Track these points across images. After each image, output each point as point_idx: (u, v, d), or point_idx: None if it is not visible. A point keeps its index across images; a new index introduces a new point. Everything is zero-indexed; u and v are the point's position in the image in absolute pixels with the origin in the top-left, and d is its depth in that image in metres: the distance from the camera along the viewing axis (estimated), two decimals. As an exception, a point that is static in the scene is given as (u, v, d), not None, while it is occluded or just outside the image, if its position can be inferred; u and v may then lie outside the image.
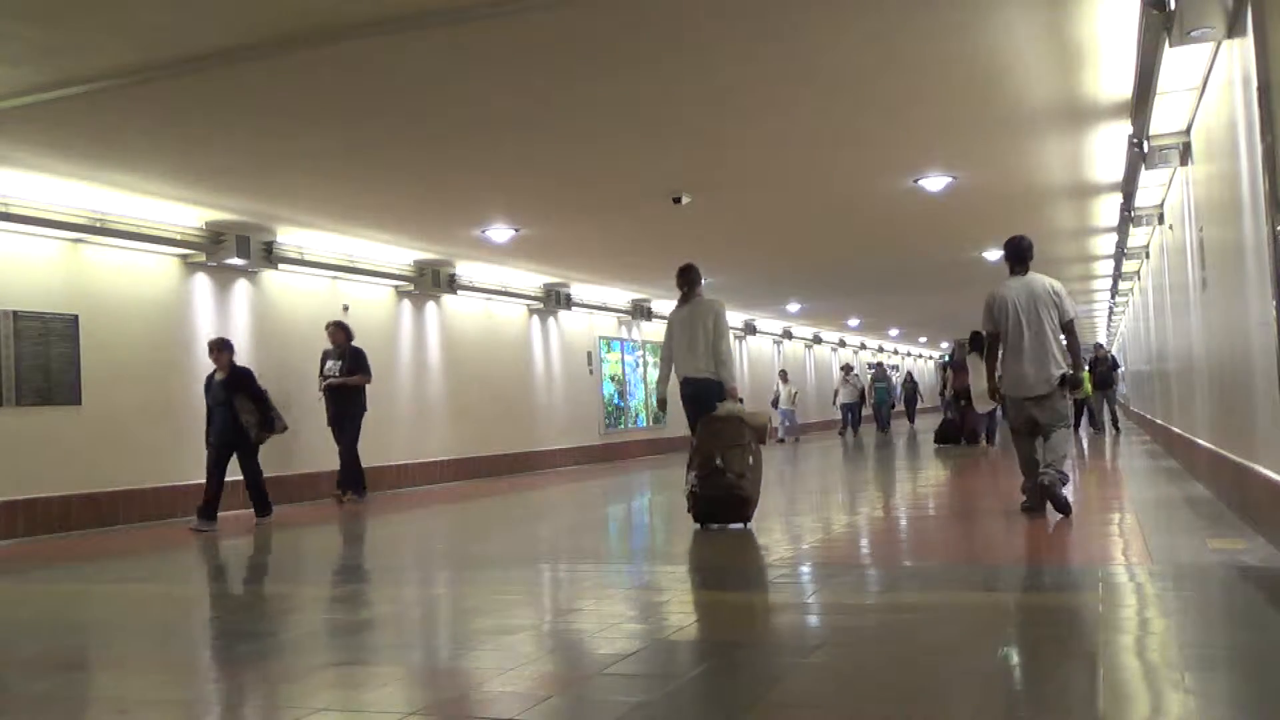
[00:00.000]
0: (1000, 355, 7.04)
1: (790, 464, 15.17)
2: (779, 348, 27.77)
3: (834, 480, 12.29)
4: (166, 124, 7.31)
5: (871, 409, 26.46)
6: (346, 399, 11.08)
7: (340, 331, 11.20)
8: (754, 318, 25.28)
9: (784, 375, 23.89)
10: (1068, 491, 6.84)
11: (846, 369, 25.81)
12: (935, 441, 17.25)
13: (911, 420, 32.56)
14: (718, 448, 6.97)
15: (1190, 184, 7.71)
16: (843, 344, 33.73)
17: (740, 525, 7.03)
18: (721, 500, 6.94)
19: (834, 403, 25.03)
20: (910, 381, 33.71)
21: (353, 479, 11.07)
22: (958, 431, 16.83)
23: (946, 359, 46.23)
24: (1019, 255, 7.08)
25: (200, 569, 7.23)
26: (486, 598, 5.14)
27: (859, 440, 22.20)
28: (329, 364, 11.15)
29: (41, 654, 4.26)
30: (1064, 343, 6.93)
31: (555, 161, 9.00)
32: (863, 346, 36.32)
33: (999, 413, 14.40)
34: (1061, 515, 6.68)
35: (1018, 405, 6.98)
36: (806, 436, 25.24)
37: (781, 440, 22.50)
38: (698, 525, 7.11)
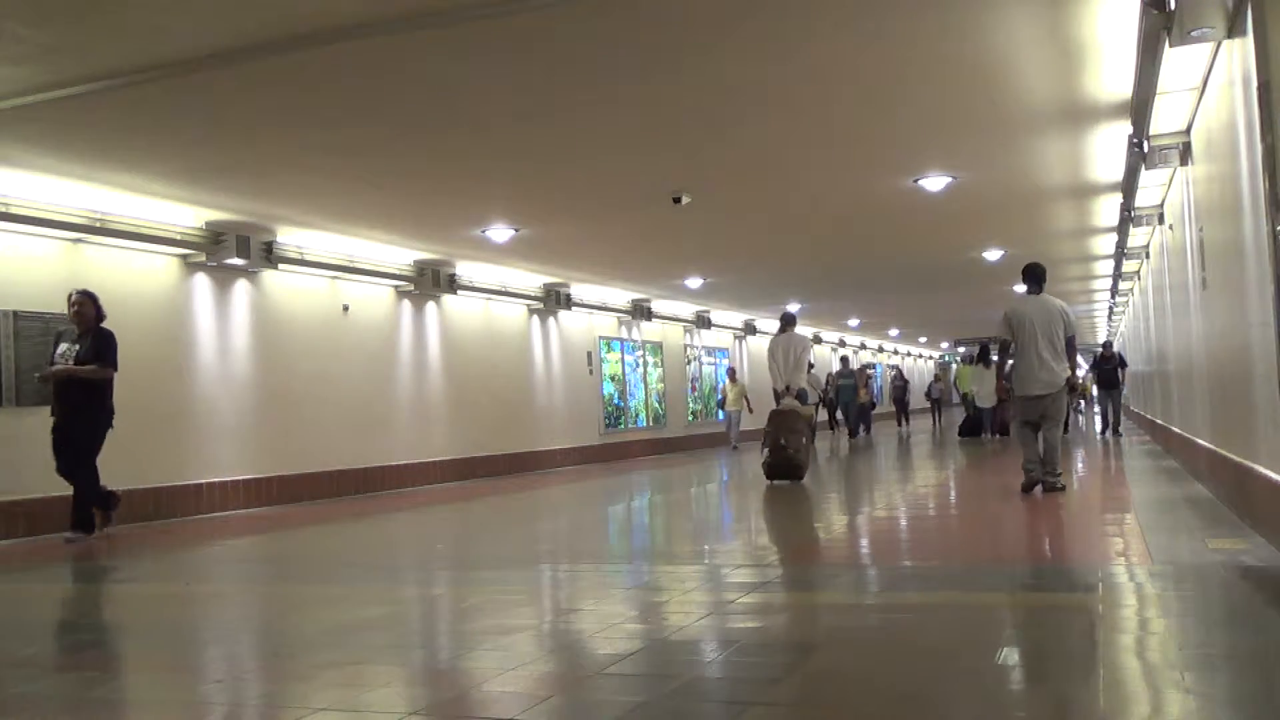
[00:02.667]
0: (1014, 360, 8.27)
1: (708, 478, 13.08)
2: (834, 353, 27.65)
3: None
4: (166, 124, 7.32)
5: (841, 410, 23.46)
6: (81, 397, 7.98)
7: (88, 305, 8.13)
8: (754, 318, 25.28)
9: (731, 373, 21.38)
10: (1068, 484, 8.50)
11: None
12: (959, 435, 20.14)
13: (901, 422, 29.05)
14: (781, 432, 10.64)
15: (1190, 184, 7.70)
16: (842, 343, 33.67)
17: (798, 481, 10.66)
18: (784, 466, 10.66)
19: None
20: (900, 379, 29.72)
21: (86, 513, 8.13)
22: (979, 427, 19.66)
23: (948, 360, 46.09)
24: (1036, 278, 8.38)
25: (200, 569, 7.22)
26: (486, 598, 5.14)
27: (818, 448, 18.73)
28: (62, 347, 8.11)
29: (41, 654, 4.26)
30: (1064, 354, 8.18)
31: (555, 162, 9.00)
32: (862, 346, 36.30)
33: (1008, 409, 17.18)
34: (1054, 489, 8.19)
35: (1028, 401, 8.17)
36: (664, 455, 21.11)
37: (735, 448, 19.97)
38: (769, 481, 10.72)
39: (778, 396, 11.18)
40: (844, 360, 24.34)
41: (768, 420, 10.92)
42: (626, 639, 3.91)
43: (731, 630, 4.12)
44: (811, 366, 22.24)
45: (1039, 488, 8.16)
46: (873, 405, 26.41)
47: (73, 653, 4.39)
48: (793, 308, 23.04)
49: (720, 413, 21.77)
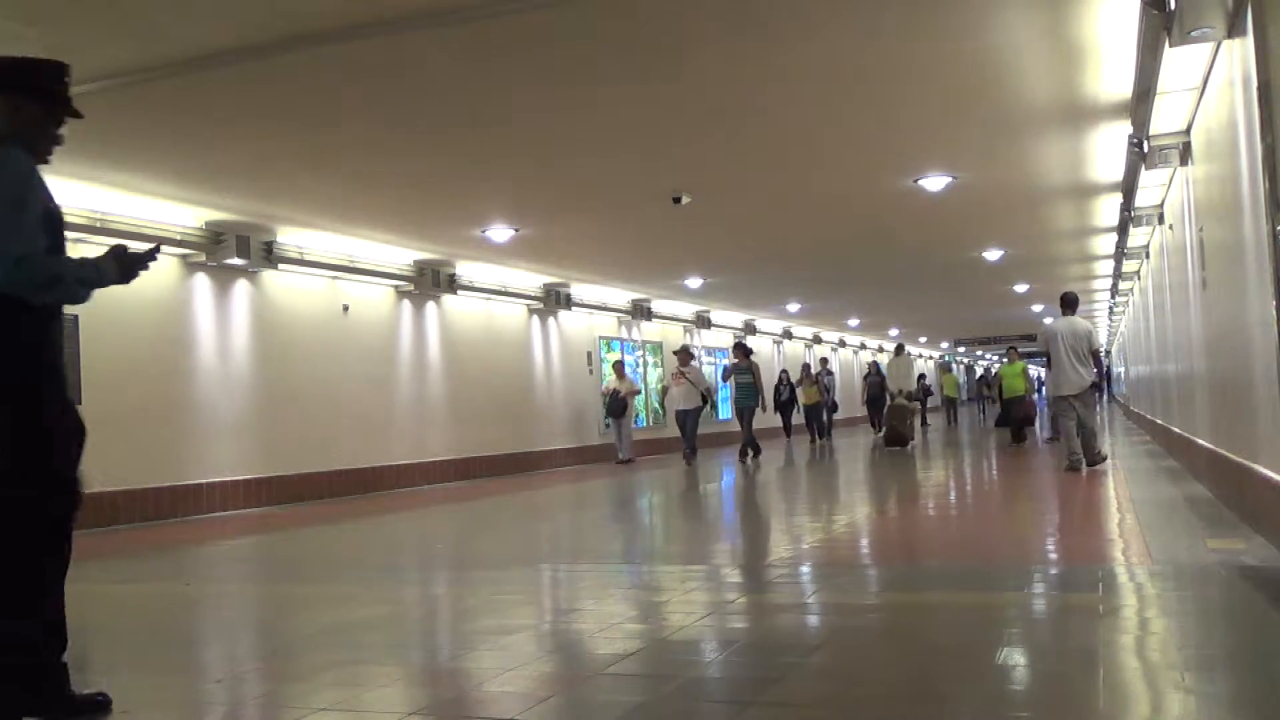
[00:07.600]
0: (1050, 368, 10.32)
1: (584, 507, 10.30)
2: (779, 348, 27.66)
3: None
4: (166, 124, 7.32)
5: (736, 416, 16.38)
6: None
7: None
8: (754, 318, 25.28)
9: (618, 368, 17.38)
10: (1105, 461, 10.46)
11: (683, 354, 16.07)
12: (995, 426, 22.13)
13: (876, 425, 22.39)
14: (894, 417, 17.17)
15: (1190, 184, 7.70)
16: (843, 344, 33.61)
17: (904, 447, 16.54)
18: (896, 438, 16.74)
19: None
20: (876, 373, 23.36)
21: None
22: (1007, 420, 22.99)
23: (948, 360, 46.06)
24: (1070, 303, 10.50)
25: (200, 569, 7.22)
26: (486, 598, 5.14)
27: (693, 471, 14.49)
28: None
29: (41, 654, 4.24)
30: (1090, 362, 10.23)
31: (555, 161, 9.00)
32: (863, 346, 36.26)
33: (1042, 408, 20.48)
34: (1096, 465, 10.08)
35: (1061, 400, 10.18)
36: (661, 455, 19.17)
37: (625, 460, 16.91)
38: (886, 447, 16.79)
39: (891, 396, 18.99)
40: (739, 345, 16.78)
41: (887, 410, 18.28)
42: (626, 639, 3.91)
43: (731, 630, 4.11)
44: (923, 377, 29.77)
45: (1084, 465, 9.98)
46: (834, 407, 23.41)
47: (72, 652, 4.38)
48: (792, 307, 23.18)
49: (608, 421, 17.47)
